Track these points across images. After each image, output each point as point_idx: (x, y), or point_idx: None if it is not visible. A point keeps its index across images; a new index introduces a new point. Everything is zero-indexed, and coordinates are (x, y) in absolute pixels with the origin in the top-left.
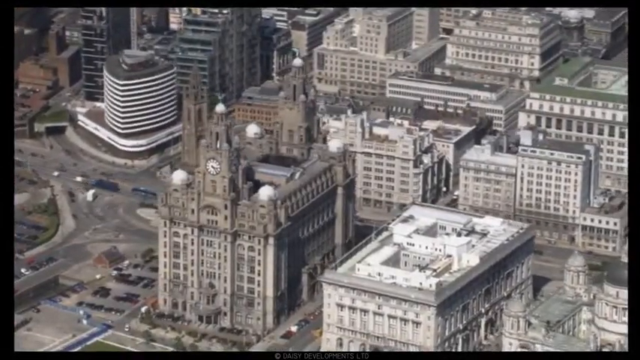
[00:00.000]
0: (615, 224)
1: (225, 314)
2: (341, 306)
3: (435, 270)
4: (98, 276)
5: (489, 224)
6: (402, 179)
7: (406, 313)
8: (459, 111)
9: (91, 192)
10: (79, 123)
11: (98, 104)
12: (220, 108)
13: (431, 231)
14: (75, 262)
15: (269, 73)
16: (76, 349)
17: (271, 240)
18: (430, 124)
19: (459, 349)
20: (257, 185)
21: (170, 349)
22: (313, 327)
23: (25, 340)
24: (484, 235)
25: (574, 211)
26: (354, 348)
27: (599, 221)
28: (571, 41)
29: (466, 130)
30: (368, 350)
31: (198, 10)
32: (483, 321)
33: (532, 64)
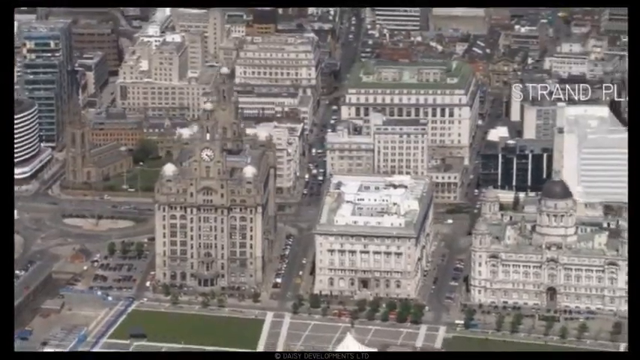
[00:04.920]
0: (455, 177)
1: (222, 276)
2: (331, 251)
3: (395, 214)
4: (85, 267)
5: (402, 179)
6: (279, 167)
7: (389, 247)
8: (279, 115)
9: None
10: None
11: None
12: (209, 106)
13: (362, 189)
14: (52, 262)
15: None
16: (123, 317)
17: (259, 209)
18: (269, 125)
19: (419, 275)
20: None
21: (197, 307)
22: (291, 276)
23: (73, 317)
24: (406, 187)
25: (422, 172)
26: (344, 284)
27: (443, 177)
28: None
29: (299, 127)
30: (356, 283)
31: (33, 55)
32: (425, 251)
33: (310, 74)
